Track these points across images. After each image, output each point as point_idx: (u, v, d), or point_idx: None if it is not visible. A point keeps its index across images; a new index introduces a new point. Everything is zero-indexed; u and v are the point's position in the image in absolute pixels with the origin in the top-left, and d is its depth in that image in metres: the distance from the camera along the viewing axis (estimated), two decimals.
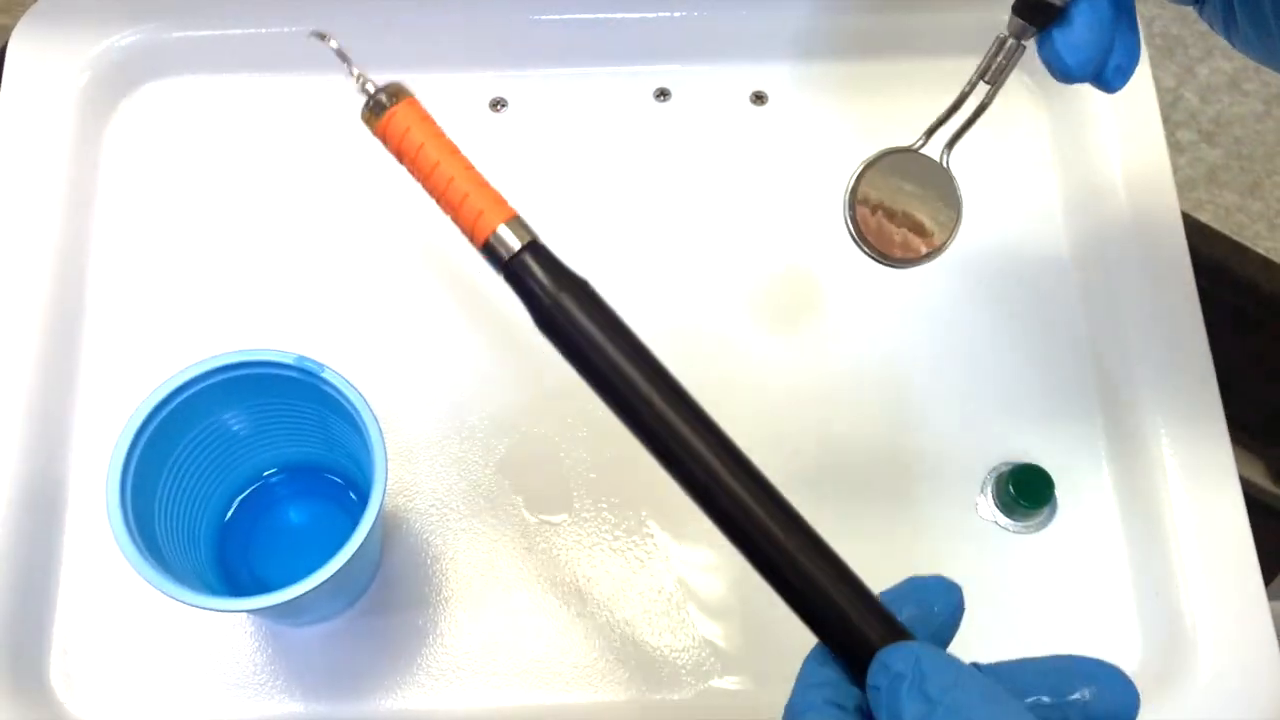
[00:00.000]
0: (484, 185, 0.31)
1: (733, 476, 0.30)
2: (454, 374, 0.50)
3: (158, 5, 0.54)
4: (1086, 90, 0.54)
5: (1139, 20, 0.34)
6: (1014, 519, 0.48)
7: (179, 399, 0.39)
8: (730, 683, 0.45)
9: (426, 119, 0.30)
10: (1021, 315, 0.52)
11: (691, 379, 0.50)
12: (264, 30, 0.54)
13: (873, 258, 0.34)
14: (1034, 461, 0.48)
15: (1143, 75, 0.55)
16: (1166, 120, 0.57)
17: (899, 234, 0.34)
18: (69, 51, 0.53)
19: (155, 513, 0.40)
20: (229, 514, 0.46)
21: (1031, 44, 0.33)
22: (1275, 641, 0.45)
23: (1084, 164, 0.54)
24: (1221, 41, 0.34)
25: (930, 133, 0.35)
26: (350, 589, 0.45)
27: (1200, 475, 0.47)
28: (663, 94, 0.56)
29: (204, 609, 0.36)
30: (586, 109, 0.55)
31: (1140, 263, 0.51)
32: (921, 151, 0.34)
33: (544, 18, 0.55)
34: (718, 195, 0.53)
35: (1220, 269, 0.67)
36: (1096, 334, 0.51)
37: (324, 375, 0.39)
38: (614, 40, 0.55)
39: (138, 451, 0.38)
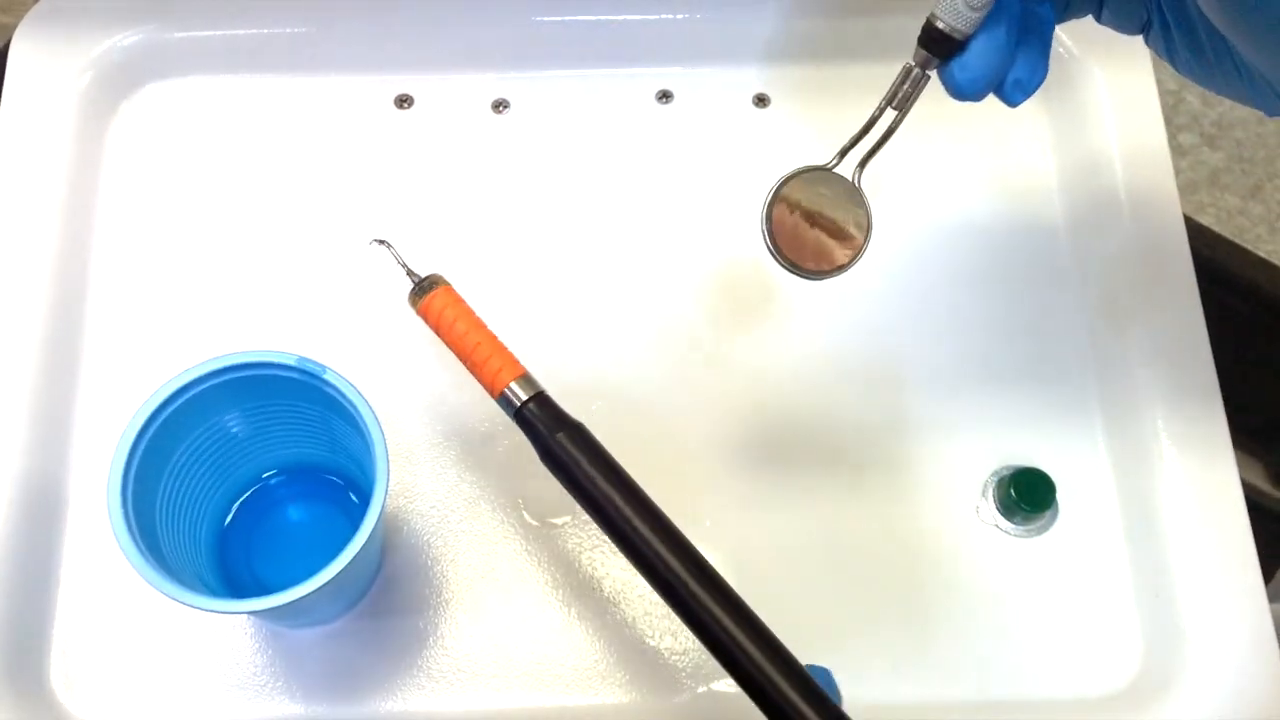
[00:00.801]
0: (502, 349, 0.39)
1: (701, 588, 0.36)
2: (455, 375, 0.50)
3: (160, 6, 0.54)
4: (1087, 93, 0.55)
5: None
6: (1015, 522, 0.48)
7: (180, 400, 0.39)
8: (729, 685, 0.45)
9: (458, 300, 0.39)
10: (1022, 318, 0.52)
11: (688, 377, 0.50)
12: (266, 31, 0.54)
13: (786, 268, 0.36)
14: (1035, 465, 0.48)
15: (1145, 78, 0.55)
16: (1168, 123, 0.57)
17: (812, 246, 0.36)
18: (71, 52, 0.53)
19: (156, 514, 0.40)
20: (230, 515, 0.46)
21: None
22: (1275, 643, 0.45)
23: (1085, 167, 0.54)
24: None
25: (843, 153, 0.36)
26: (351, 591, 0.45)
27: (1201, 478, 0.47)
28: (665, 96, 0.56)
29: (205, 611, 0.36)
30: (588, 110, 0.55)
31: (1142, 266, 0.51)
32: (835, 171, 0.36)
33: (546, 19, 0.55)
34: (719, 198, 0.53)
35: (1222, 272, 0.67)
36: (1097, 337, 0.51)
37: (325, 376, 0.39)
38: (616, 42, 0.55)
39: (139, 453, 0.38)
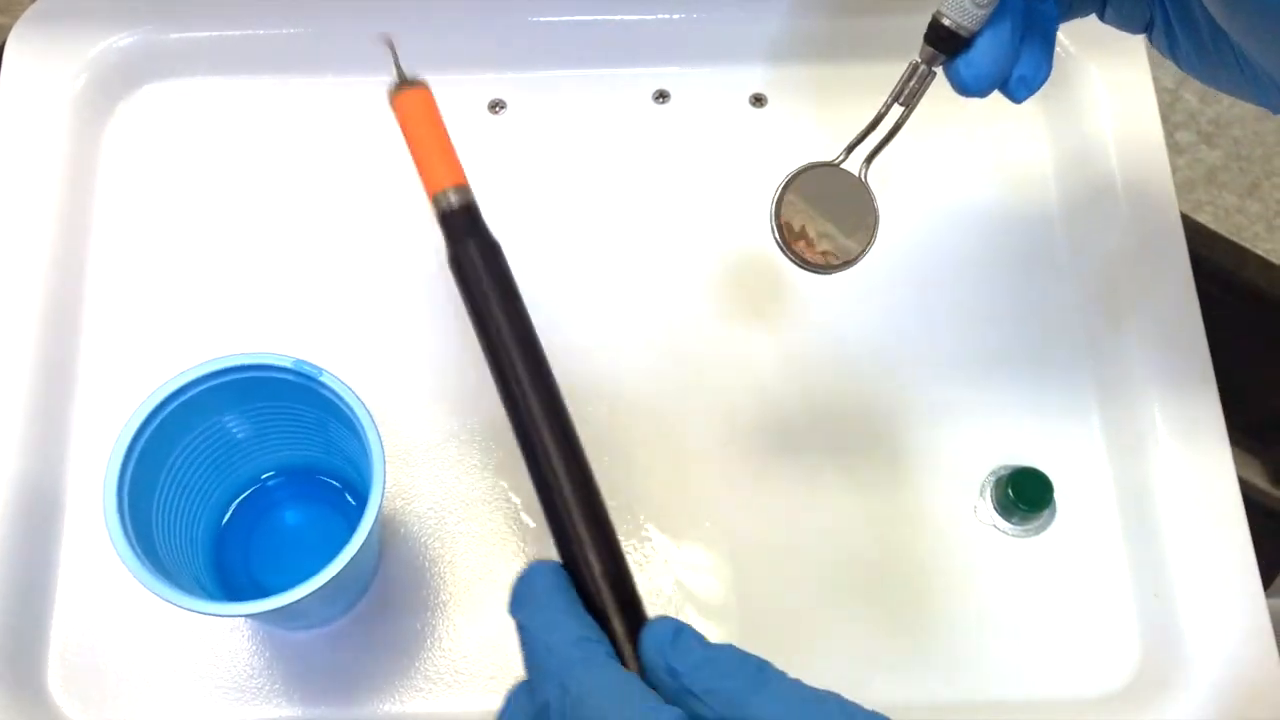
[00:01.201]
0: (451, 158, 0.40)
1: (546, 420, 0.36)
2: (452, 377, 0.50)
3: (156, 7, 0.54)
4: (1084, 91, 0.55)
5: None
6: (1013, 522, 0.48)
7: (176, 403, 0.39)
8: None
9: (431, 105, 0.40)
10: (1019, 318, 0.52)
11: (686, 378, 0.50)
12: (262, 32, 0.54)
13: (796, 263, 0.37)
14: (1033, 465, 0.48)
15: (1142, 76, 0.55)
16: (1166, 121, 0.56)
17: (820, 242, 0.37)
18: (66, 53, 0.53)
19: (153, 517, 0.40)
20: (226, 517, 0.46)
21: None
22: (1274, 642, 0.45)
23: (1082, 165, 0.54)
24: None
25: (850, 149, 0.37)
26: (349, 593, 0.45)
27: (1199, 477, 0.47)
28: (662, 96, 0.55)
29: (202, 614, 0.36)
30: (585, 111, 0.55)
31: (1139, 264, 0.51)
32: (842, 167, 0.37)
33: (543, 19, 0.55)
34: (716, 198, 0.53)
35: (1219, 270, 0.67)
36: (1095, 336, 0.51)
37: (322, 379, 0.39)
38: (613, 42, 0.55)
39: (135, 455, 0.38)
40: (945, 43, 0.34)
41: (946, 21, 0.33)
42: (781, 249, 0.37)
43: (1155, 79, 0.55)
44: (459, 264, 0.38)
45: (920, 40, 0.35)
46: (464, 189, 0.40)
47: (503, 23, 0.55)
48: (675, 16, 0.55)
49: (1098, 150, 0.53)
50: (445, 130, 0.41)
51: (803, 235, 0.37)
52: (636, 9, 0.55)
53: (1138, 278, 0.51)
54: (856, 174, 0.37)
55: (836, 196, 0.37)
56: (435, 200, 0.40)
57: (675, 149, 0.54)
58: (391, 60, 0.41)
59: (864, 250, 0.37)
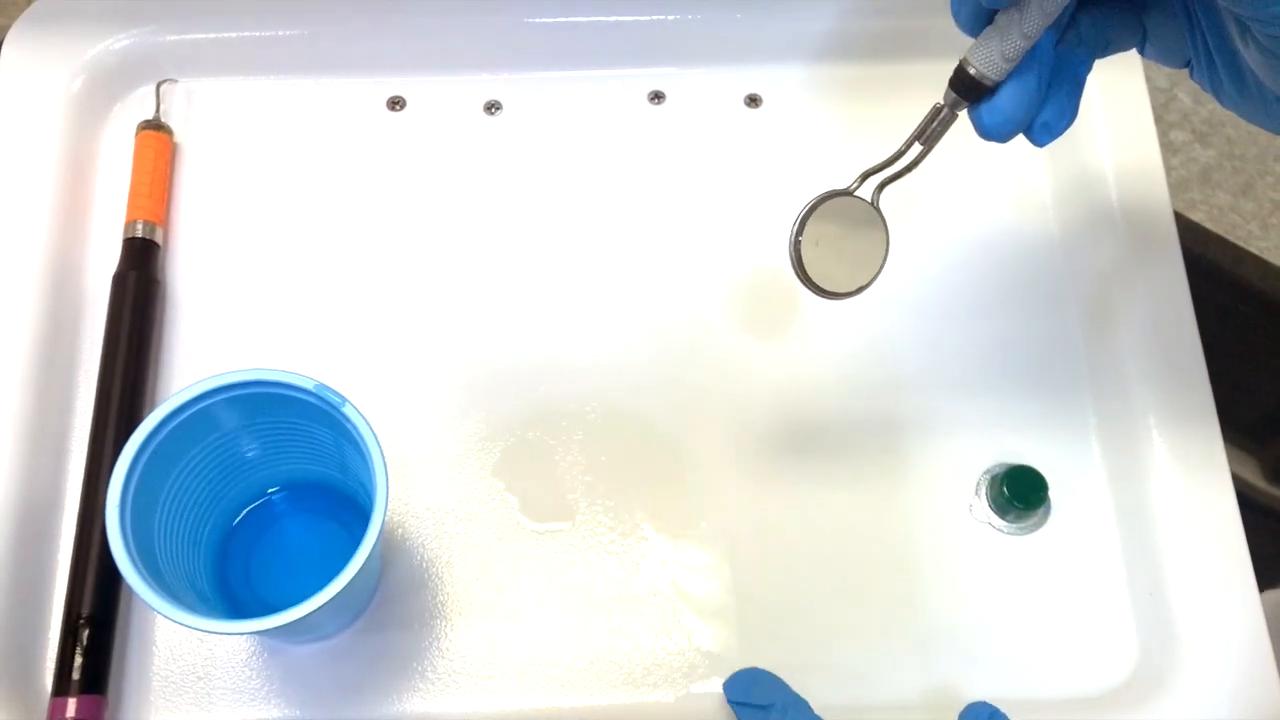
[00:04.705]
0: (159, 200, 0.50)
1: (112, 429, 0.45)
2: (448, 378, 0.50)
3: (153, 8, 0.54)
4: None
5: None
6: (1008, 521, 0.48)
7: (183, 416, 0.38)
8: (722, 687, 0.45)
9: (165, 154, 0.51)
10: (1014, 316, 0.52)
11: (682, 378, 0.50)
12: (258, 33, 0.54)
13: (815, 292, 0.38)
14: (1028, 463, 0.48)
15: (1135, 76, 0.55)
16: (1160, 121, 0.57)
17: (837, 269, 0.38)
18: (63, 55, 0.53)
19: (155, 531, 0.39)
20: (229, 532, 0.45)
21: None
22: (1268, 640, 0.45)
23: (1076, 164, 0.54)
24: None
25: (864, 177, 0.38)
26: (352, 608, 0.44)
27: (1193, 475, 0.48)
28: (657, 96, 0.56)
29: (208, 632, 0.36)
30: (581, 112, 0.55)
31: (1133, 263, 0.51)
32: (856, 194, 0.38)
33: (538, 20, 0.55)
34: (712, 197, 0.53)
35: (1214, 269, 0.67)
36: (1089, 334, 0.51)
37: (344, 410, 0.38)
38: (608, 43, 0.55)
39: (139, 468, 0.37)
40: (969, 90, 0.34)
41: (972, 70, 0.33)
42: (800, 277, 0.37)
43: (1149, 79, 0.55)
44: (119, 284, 0.47)
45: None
46: (154, 227, 0.49)
47: (498, 24, 0.55)
48: (670, 17, 0.55)
49: (1091, 150, 0.54)
50: (166, 174, 0.51)
51: (819, 263, 0.37)
52: (631, 10, 0.55)
53: (1131, 276, 0.51)
54: (869, 200, 0.38)
55: (851, 223, 0.38)
56: (128, 225, 0.49)
57: (670, 149, 0.54)
58: (155, 102, 0.52)
59: (876, 274, 0.38)
